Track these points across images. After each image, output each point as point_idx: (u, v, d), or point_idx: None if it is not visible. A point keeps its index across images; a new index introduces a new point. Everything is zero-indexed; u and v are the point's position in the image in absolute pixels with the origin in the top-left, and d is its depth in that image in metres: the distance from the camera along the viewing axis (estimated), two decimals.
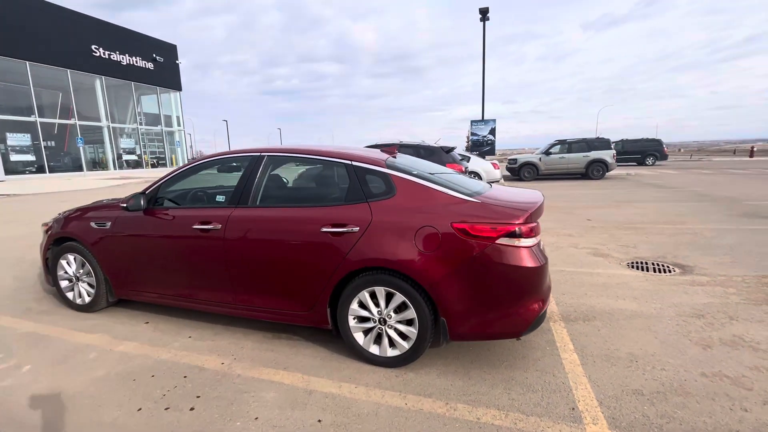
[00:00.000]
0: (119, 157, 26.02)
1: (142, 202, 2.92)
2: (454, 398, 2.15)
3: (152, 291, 3.08)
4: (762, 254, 4.72)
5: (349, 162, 2.64)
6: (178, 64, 29.24)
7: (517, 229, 2.19)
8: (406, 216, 2.35)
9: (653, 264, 4.49)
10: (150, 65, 27.02)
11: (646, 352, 2.58)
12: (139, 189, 3.92)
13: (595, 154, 16.08)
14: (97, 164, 25.52)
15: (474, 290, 2.23)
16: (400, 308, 2.39)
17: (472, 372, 2.41)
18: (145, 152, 27.99)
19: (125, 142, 26.46)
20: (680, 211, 7.83)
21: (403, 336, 2.43)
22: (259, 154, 2.86)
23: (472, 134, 18.81)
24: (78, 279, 3.34)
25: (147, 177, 22.62)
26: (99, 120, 24.62)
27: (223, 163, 3.08)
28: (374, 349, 2.49)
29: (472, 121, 18.87)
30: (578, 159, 16.30)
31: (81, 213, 3.33)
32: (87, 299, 3.33)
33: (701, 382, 2.26)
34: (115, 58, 24.87)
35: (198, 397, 2.20)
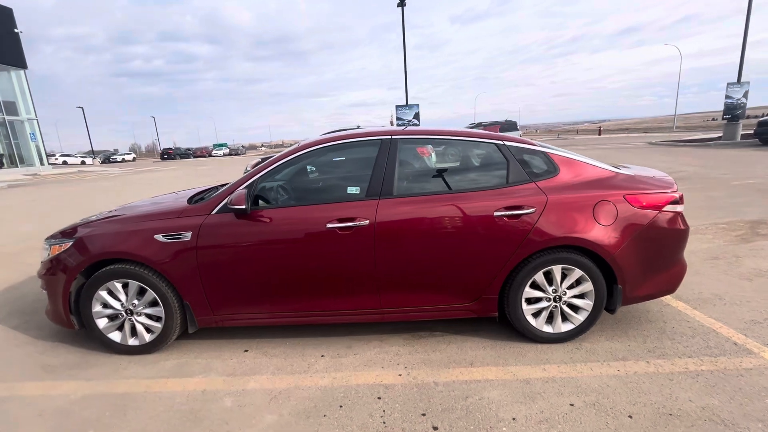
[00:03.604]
0: None
1: (246, 203, 2.32)
2: (645, 356, 2.33)
3: (260, 311, 2.50)
4: (702, 208, 6.06)
5: (500, 142, 2.53)
6: (17, 34, 22.41)
7: (678, 196, 2.44)
8: (578, 192, 2.39)
9: None
10: None
11: (720, 291, 3.15)
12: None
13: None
14: None
15: (645, 256, 2.41)
16: (574, 283, 2.45)
17: (629, 331, 2.63)
18: None
19: None
20: None
21: (575, 309, 2.50)
22: (388, 137, 2.53)
23: (398, 119, 19.22)
24: (132, 312, 2.50)
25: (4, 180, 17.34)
26: None
27: (340, 148, 2.62)
28: (547, 328, 2.51)
29: (396, 106, 19.21)
30: None
31: (124, 224, 2.48)
32: (148, 337, 2.53)
33: None
34: None
35: (424, 414, 1.93)
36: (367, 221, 2.35)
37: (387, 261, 2.38)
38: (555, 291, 2.45)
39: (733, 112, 17.97)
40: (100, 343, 2.58)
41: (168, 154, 46.76)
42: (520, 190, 2.40)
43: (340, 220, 2.35)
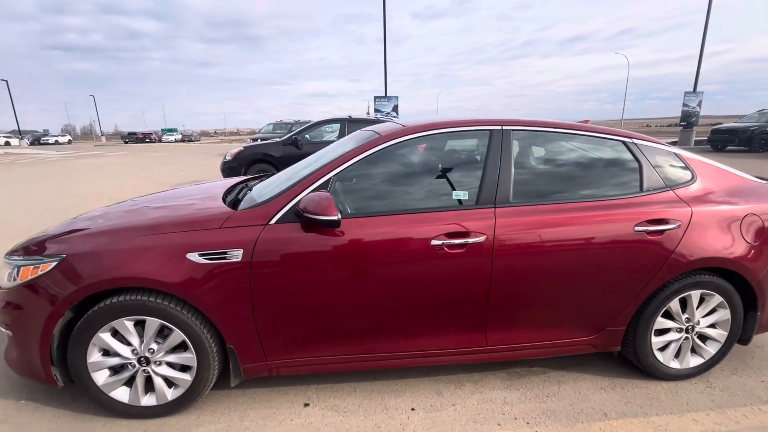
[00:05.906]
0: None
1: (337, 212, 1.67)
2: None
3: (332, 353, 1.87)
4: None
5: (630, 140, 2.08)
6: None
7: None
8: (724, 204, 2.01)
9: None
10: None
11: None
12: None
13: None
14: None
15: None
16: (709, 312, 2.08)
17: (747, 361, 2.31)
18: None
19: None
20: None
21: (703, 341, 2.13)
22: (498, 127, 1.98)
23: (376, 110, 18.50)
24: (148, 361, 1.77)
25: None
26: None
27: (434, 140, 2.03)
28: (674, 363, 2.12)
29: (375, 97, 18.45)
30: None
31: (138, 235, 1.72)
32: (170, 394, 1.81)
33: None
34: None
35: None
36: (484, 237, 1.79)
37: (504, 287, 1.85)
38: (689, 320, 2.06)
39: (688, 120, 19.22)
40: (94, 402, 1.82)
41: (150, 138, 42.35)
42: (659, 201, 1.97)
43: (449, 236, 1.78)
